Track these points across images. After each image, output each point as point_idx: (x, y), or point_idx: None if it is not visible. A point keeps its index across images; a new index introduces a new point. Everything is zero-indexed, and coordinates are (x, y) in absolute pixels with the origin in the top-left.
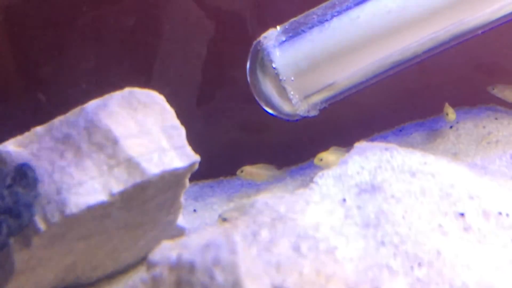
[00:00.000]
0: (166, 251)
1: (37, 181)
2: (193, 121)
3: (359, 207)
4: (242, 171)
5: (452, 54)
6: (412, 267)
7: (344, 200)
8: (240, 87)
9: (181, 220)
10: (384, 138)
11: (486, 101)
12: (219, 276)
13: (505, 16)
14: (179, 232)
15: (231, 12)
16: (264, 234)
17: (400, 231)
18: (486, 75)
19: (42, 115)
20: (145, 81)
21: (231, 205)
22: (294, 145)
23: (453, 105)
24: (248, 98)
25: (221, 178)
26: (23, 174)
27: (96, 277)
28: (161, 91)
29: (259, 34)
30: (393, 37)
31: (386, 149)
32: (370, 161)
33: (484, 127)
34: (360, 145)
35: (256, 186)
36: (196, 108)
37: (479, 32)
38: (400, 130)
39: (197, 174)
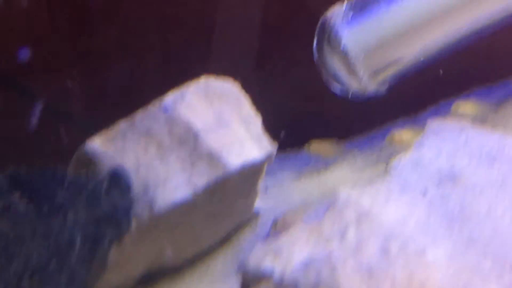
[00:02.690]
0: (260, 259)
1: (131, 185)
2: (257, 90)
3: (441, 200)
4: (309, 146)
5: None
6: (503, 270)
7: (426, 191)
8: (303, 53)
9: (256, 202)
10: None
11: None
12: None
13: None
14: (255, 214)
15: None
16: (351, 234)
17: (486, 229)
18: None
19: None
20: (206, 51)
21: (302, 180)
22: (362, 114)
23: None
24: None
25: (288, 150)
26: (118, 179)
27: (180, 263)
28: (220, 60)
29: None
30: (464, 10)
31: (461, 129)
32: (447, 144)
33: None
34: (433, 124)
35: (325, 160)
36: (259, 77)
37: None
38: (468, 96)
39: None
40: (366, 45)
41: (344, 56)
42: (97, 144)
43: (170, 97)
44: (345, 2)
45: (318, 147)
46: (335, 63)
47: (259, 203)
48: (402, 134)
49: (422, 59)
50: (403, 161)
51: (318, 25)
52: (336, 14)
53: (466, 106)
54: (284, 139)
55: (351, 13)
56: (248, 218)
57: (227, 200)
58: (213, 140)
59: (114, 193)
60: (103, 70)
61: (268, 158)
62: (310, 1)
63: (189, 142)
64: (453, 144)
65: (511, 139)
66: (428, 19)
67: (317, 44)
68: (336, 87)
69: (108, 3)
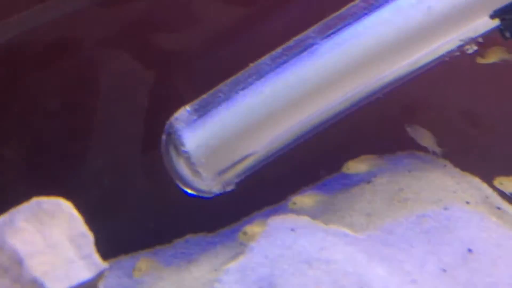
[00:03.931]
0: None
1: None
2: (136, 180)
3: None
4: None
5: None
6: None
7: None
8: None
9: None
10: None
11: (407, 146)
12: None
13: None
14: None
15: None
16: None
17: None
18: (406, 116)
19: None
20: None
21: (161, 281)
22: (227, 205)
23: (376, 153)
24: None
25: (157, 247)
26: None
27: None
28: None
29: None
30: (299, 107)
31: (293, 229)
32: (273, 248)
33: (397, 182)
34: (272, 222)
35: (188, 256)
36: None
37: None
38: (325, 185)
39: (137, 244)
40: (207, 148)
41: (187, 159)
42: None
43: None
44: (188, 105)
45: (139, 268)
46: (180, 166)
47: None
48: (254, 227)
49: (270, 153)
50: (231, 269)
51: (165, 129)
52: (179, 118)
53: (304, 199)
54: (156, 235)
55: (193, 116)
56: None
57: None
58: (37, 266)
59: None
60: None
61: (98, 277)
62: None
63: (13, 270)
64: (279, 249)
65: (329, 239)
66: (267, 117)
67: (164, 149)
68: (185, 189)
69: None
